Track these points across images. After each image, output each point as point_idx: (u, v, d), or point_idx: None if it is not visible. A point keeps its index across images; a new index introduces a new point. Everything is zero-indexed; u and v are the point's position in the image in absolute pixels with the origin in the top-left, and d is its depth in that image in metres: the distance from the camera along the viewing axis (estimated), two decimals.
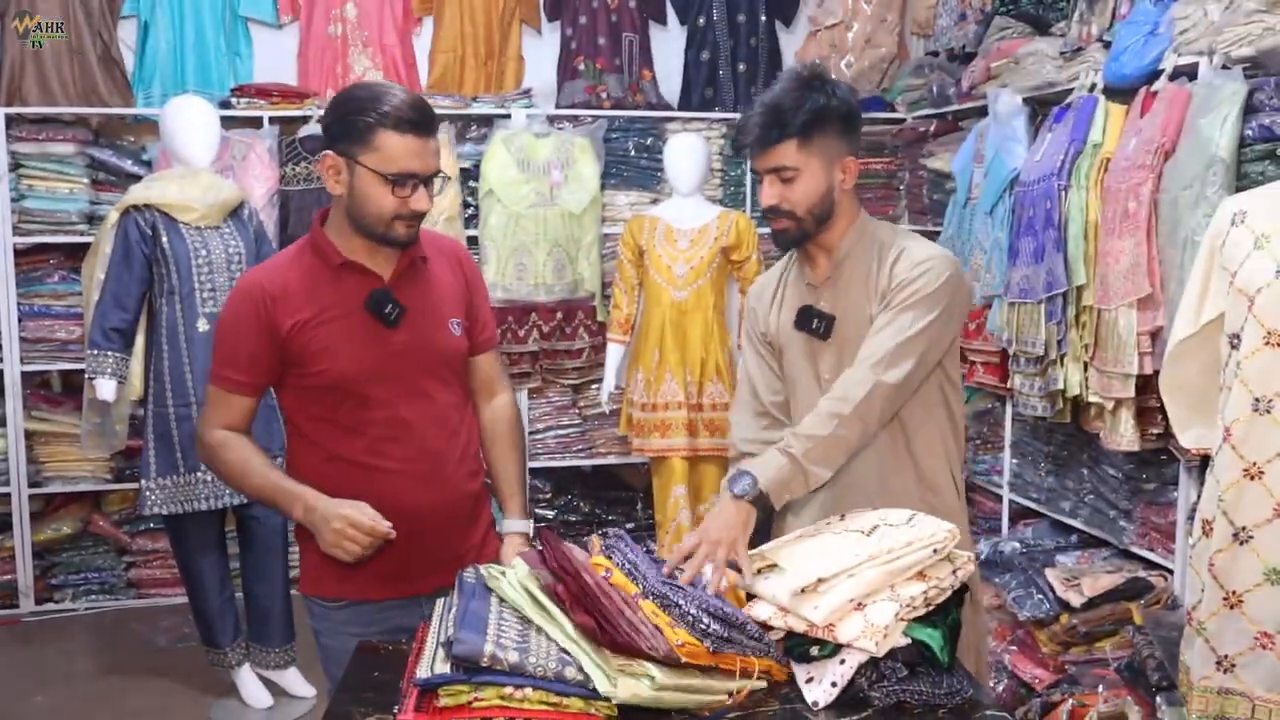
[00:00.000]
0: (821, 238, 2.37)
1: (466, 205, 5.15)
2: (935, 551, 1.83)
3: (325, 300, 2.27)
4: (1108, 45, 3.73)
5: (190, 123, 4.05)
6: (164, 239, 3.86)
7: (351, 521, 2.16)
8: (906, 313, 2.24)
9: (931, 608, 1.83)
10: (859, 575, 1.79)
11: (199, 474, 3.87)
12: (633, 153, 5.34)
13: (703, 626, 1.75)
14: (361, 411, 2.29)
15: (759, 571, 1.93)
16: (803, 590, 1.78)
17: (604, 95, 5.48)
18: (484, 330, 2.52)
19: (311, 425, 2.33)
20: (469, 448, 2.46)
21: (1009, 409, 4.36)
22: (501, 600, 1.89)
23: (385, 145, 2.16)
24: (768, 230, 2.46)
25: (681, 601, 1.79)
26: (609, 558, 1.95)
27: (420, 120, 2.18)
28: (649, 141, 5.34)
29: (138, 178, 4.66)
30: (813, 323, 2.38)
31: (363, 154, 2.17)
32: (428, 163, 2.20)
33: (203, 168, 4.05)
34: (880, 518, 1.97)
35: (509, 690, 1.66)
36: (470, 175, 5.14)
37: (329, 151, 2.22)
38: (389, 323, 2.28)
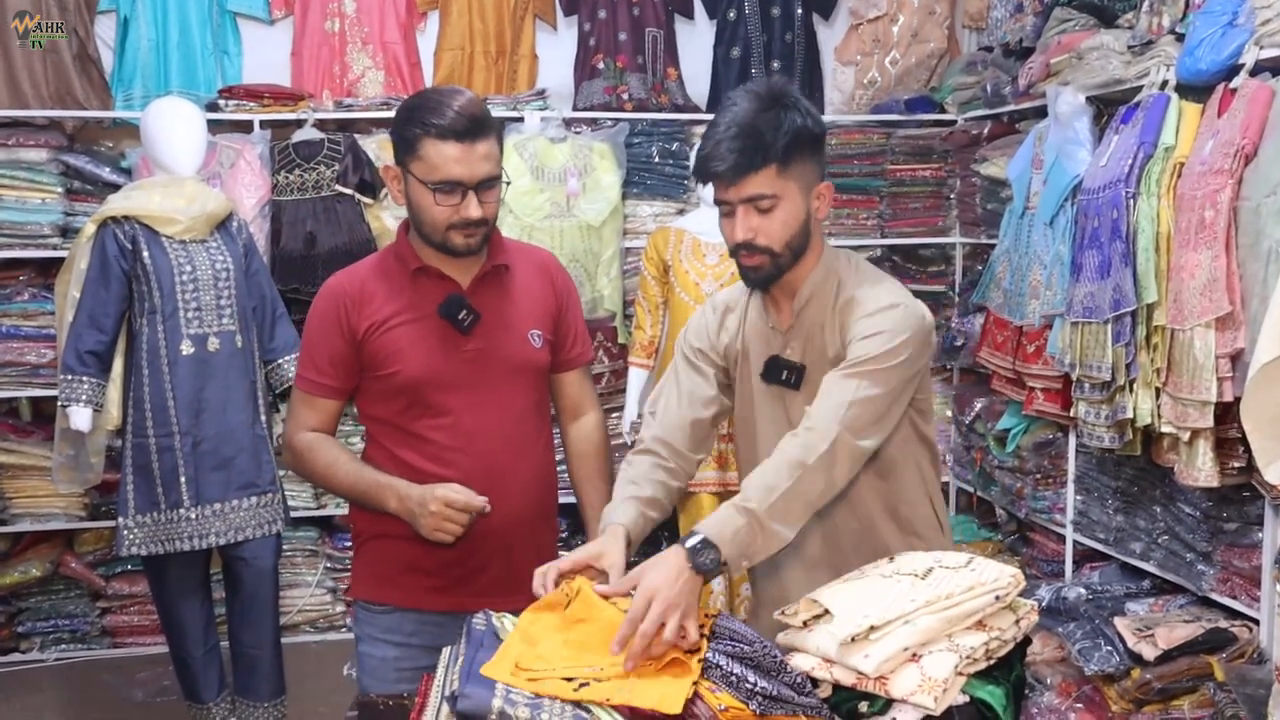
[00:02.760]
0: (788, 276, 2.32)
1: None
2: (998, 598, 1.81)
3: (401, 303, 2.49)
4: (1181, 38, 3.72)
5: (174, 127, 4.06)
6: (145, 254, 3.87)
7: (447, 501, 2.35)
8: (859, 379, 2.16)
9: (992, 661, 1.81)
10: (915, 622, 1.77)
11: (181, 511, 3.88)
12: (657, 159, 5.35)
13: (748, 686, 1.73)
14: (428, 418, 2.48)
15: (805, 624, 1.91)
16: (853, 639, 1.76)
17: (625, 96, 5.49)
18: (574, 347, 2.70)
19: (380, 429, 2.55)
20: (541, 468, 2.66)
21: (1072, 440, 4.34)
22: None
23: (428, 153, 2.34)
24: None
25: (723, 661, 1.77)
26: None
27: (465, 126, 2.33)
28: (675, 146, 5.35)
29: (116, 187, 4.67)
30: (782, 374, 2.35)
31: (412, 163, 2.38)
32: (474, 169, 2.36)
33: (188, 176, 4.06)
34: (935, 560, 1.96)
35: None
36: None
37: (388, 164, 2.48)
38: (462, 329, 2.47)
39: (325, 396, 2.54)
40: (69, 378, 3.88)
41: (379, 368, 2.48)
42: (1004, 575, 1.86)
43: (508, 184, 2.50)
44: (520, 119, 5.21)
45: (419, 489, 2.39)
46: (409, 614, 2.54)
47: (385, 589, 2.56)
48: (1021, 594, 1.89)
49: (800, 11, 5.70)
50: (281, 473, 4.13)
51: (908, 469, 2.37)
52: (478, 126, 2.35)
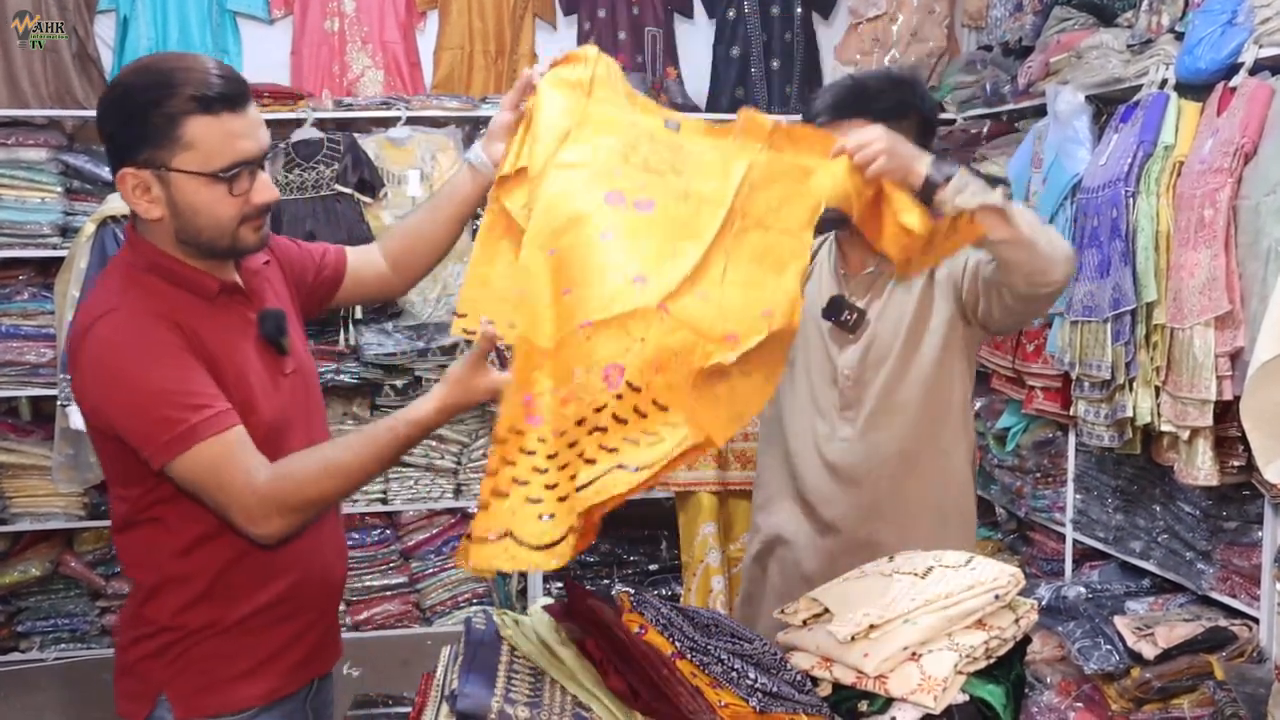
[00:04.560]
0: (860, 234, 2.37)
1: (475, 215, 5.14)
2: (997, 597, 1.81)
3: (220, 336, 1.96)
4: (1180, 36, 3.71)
5: None
6: None
7: (492, 379, 1.91)
8: None
9: (992, 660, 1.81)
10: (915, 621, 1.77)
11: None
12: None
13: (748, 682, 1.74)
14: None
15: (804, 623, 1.91)
16: (852, 638, 1.77)
17: None
18: (324, 258, 2.28)
19: (189, 508, 1.93)
20: None
21: (1072, 439, 4.33)
22: (514, 650, 1.87)
23: (202, 136, 1.85)
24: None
25: (724, 656, 1.77)
26: (641, 614, 1.93)
27: (236, 90, 1.89)
28: None
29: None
30: (843, 314, 2.42)
31: (174, 157, 1.86)
32: (260, 140, 1.92)
33: None
34: (935, 559, 1.96)
35: None
36: None
37: (127, 169, 1.88)
38: (282, 349, 2.04)
39: (237, 423, 1.89)
40: (69, 377, 3.87)
41: None
42: (1003, 574, 1.86)
43: (277, 148, 1.99)
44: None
45: (457, 383, 1.90)
46: (274, 710, 2.03)
47: (247, 687, 2.00)
48: (1021, 593, 1.89)
49: (800, 10, 5.70)
50: None
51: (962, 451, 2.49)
52: (245, 88, 1.90)
